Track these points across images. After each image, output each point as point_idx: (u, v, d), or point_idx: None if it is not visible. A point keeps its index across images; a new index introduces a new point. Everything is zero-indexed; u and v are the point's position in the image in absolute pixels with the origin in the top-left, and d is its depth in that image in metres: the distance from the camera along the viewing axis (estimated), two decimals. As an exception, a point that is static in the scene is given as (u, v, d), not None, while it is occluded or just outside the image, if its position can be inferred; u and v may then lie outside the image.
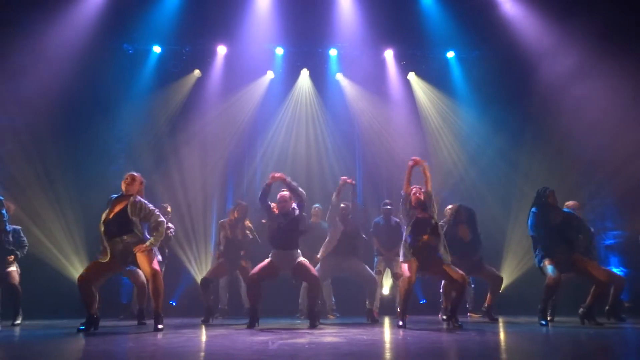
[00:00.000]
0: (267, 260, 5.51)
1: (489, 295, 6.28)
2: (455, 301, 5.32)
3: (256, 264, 5.63)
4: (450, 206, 6.86)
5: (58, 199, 7.88)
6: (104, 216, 4.88)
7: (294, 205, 5.53)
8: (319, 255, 6.50)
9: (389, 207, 7.33)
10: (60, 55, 7.80)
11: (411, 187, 5.46)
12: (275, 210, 5.56)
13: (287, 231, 5.47)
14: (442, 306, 6.44)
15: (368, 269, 6.47)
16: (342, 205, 6.58)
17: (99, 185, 8.18)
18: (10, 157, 7.95)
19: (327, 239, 6.51)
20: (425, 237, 5.22)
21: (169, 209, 7.41)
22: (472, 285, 7.39)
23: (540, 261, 5.44)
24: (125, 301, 7.93)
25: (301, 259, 5.51)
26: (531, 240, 5.61)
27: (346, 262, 6.38)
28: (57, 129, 8.13)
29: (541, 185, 5.75)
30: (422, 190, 5.42)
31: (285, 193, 5.55)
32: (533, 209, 5.54)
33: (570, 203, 6.09)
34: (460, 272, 5.22)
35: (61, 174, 8.01)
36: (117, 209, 4.86)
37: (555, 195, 5.53)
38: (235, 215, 6.57)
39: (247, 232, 6.62)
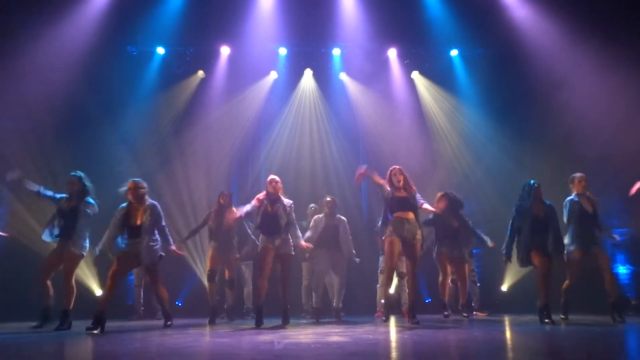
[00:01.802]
0: (261, 249, 5.56)
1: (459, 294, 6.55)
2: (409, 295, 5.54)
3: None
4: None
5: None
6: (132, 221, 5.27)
7: (283, 198, 5.67)
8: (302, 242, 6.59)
9: None
10: (65, 57, 7.83)
11: (389, 169, 5.61)
12: (260, 200, 5.63)
13: (273, 217, 5.56)
14: (445, 299, 6.58)
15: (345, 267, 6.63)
16: (327, 199, 6.75)
17: (104, 187, 8.19)
18: (16, 158, 7.98)
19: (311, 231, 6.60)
20: (404, 213, 5.39)
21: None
22: (478, 284, 7.38)
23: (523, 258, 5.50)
24: (131, 302, 7.95)
25: (292, 252, 5.65)
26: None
27: (335, 257, 6.52)
28: (62, 131, 8.16)
29: (545, 184, 5.79)
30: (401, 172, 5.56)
31: (276, 177, 5.72)
32: (514, 210, 5.65)
33: (577, 175, 5.94)
34: (415, 259, 5.37)
35: (66, 175, 8.01)
36: (138, 216, 5.29)
37: (541, 190, 5.63)
38: (221, 201, 6.61)
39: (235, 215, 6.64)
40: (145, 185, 5.46)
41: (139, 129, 8.78)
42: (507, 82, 8.93)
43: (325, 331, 4.71)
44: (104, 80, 8.42)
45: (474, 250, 7.65)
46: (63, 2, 7.86)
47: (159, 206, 5.44)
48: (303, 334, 4.40)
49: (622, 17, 7.70)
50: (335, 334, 4.37)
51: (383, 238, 5.52)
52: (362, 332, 4.54)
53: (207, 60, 9.20)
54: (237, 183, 9.24)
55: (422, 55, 9.45)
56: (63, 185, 7.91)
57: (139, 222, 5.23)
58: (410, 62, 9.44)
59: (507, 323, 5.66)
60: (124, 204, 5.44)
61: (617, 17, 7.69)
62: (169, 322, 5.62)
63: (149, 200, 5.40)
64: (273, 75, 9.43)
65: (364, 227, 8.59)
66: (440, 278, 6.56)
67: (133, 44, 8.90)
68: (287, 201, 5.71)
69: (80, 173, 5.72)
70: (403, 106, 9.43)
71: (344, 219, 6.78)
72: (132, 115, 8.67)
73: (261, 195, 5.69)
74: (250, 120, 9.29)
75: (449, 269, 6.52)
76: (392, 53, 9.36)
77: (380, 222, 5.62)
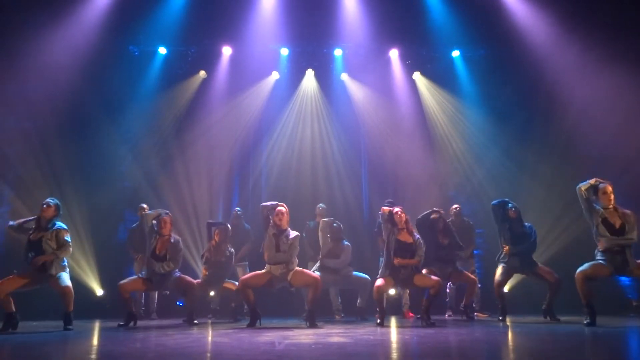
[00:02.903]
0: (264, 271, 5.54)
1: (465, 295, 6.49)
2: (428, 300, 5.54)
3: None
4: (454, 208, 7.48)
5: (65, 199, 7.90)
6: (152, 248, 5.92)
7: (289, 230, 5.55)
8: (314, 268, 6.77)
9: None
10: (67, 57, 7.85)
11: (393, 208, 5.72)
12: (271, 222, 5.57)
13: (278, 248, 5.47)
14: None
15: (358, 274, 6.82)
16: (335, 224, 6.87)
17: (106, 186, 8.25)
18: (18, 158, 8.01)
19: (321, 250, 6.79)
20: (404, 261, 5.50)
21: (144, 207, 7.40)
22: (479, 285, 7.37)
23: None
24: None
25: (296, 269, 5.51)
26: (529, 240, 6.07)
27: (337, 279, 6.74)
28: (65, 130, 8.18)
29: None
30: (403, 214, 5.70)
31: (282, 208, 5.57)
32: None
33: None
34: (434, 278, 5.56)
35: (68, 174, 8.06)
36: (159, 245, 5.94)
37: (519, 211, 6.11)
38: (216, 239, 6.60)
39: (227, 253, 6.63)
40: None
41: (140, 129, 8.79)
42: (509, 83, 8.93)
43: (325, 332, 4.71)
44: (105, 80, 8.44)
45: (474, 252, 7.66)
46: (65, 2, 7.87)
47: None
48: (304, 335, 4.40)
49: (624, 17, 7.69)
50: (335, 335, 4.37)
51: (380, 278, 5.60)
52: (363, 333, 4.54)
53: (208, 60, 9.19)
54: (239, 183, 9.24)
55: (423, 56, 9.43)
56: (67, 184, 7.99)
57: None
58: (412, 62, 9.42)
59: (508, 324, 5.65)
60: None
61: (619, 18, 7.68)
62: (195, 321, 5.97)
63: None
64: (275, 75, 9.43)
65: (364, 228, 8.60)
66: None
67: (135, 44, 8.90)
68: (292, 234, 5.55)
69: (56, 200, 5.51)
70: (404, 107, 9.42)
71: (349, 245, 6.90)
72: (134, 115, 8.68)
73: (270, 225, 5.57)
74: (252, 121, 9.28)
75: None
76: (394, 54, 9.34)
77: (383, 263, 5.73)
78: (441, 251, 6.18)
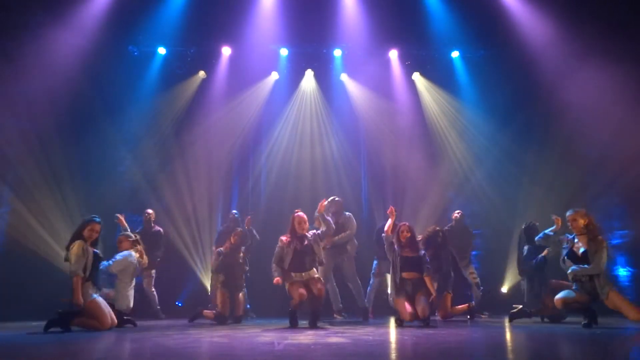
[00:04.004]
0: (290, 285, 5.47)
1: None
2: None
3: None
4: (457, 213, 7.53)
5: (65, 200, 7.94)
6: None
7: (308, 231, 5.60)
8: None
9: None
10: (67, 57, 7.86)
11: (398, 225, 5.75)
12: (287, 237, 5.56)
13: (302, 255, 5.48)
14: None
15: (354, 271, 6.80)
16: (337, 199, 6.85)
17: (106, 187, 8.25)
18: (18, 158, 8.00)
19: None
20: (412, 274, 5.60)
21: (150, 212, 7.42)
22: (482, 288, 7.37)
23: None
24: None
25: (317, 276, 5.54)
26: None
27: (338, 259, 6.72)
28: (64, 131, 8.18)
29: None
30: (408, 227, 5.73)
31: (302, 214, 5.62)
32: (526, 247, 6.13)
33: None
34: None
35: (68, 175, 8.06)
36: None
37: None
38: (232, 241, 6.58)
39: (242, 255, 6.63)
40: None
41: (140, 129, 8.81)
42: (508, 84, 8.94)
43: (324, 332, 4.71)
44: (105, 81, 8.45)
45: (473, 252, 7.67)
46: (65, 2, 7.88)
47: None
48: (303, 335, 4.41)
49: (624, 18, 7.70)
50: (334, 335, 4.37)
51: (397, 298, 5.62)
52: (362, 333, 4.54)
53: (208, 60, 9.21)
54: (238, 183, 9.25)
55: (423, 56, 9.45)
56: (67, 184, 7.98)
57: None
58: (411, 63, 9.45)
59: (506, 324, 5.65)
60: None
61: (619, 19, 7.69)
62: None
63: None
64: (274, 76, 9.45)
65: (364, 228, 8.61)
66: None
67: (134, 44, 8.92)
68: (311, 233, 5.63)
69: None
70: (404, 107, 9.44)
71: (350, 215, 6.88)
72: (134, 115, 8.70)
73: (285, 237, 5.57)
74: (251, 121, 9.30)
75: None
76: (393, 54, 9.36)
77: (391, 281, 5.80)
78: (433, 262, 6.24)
